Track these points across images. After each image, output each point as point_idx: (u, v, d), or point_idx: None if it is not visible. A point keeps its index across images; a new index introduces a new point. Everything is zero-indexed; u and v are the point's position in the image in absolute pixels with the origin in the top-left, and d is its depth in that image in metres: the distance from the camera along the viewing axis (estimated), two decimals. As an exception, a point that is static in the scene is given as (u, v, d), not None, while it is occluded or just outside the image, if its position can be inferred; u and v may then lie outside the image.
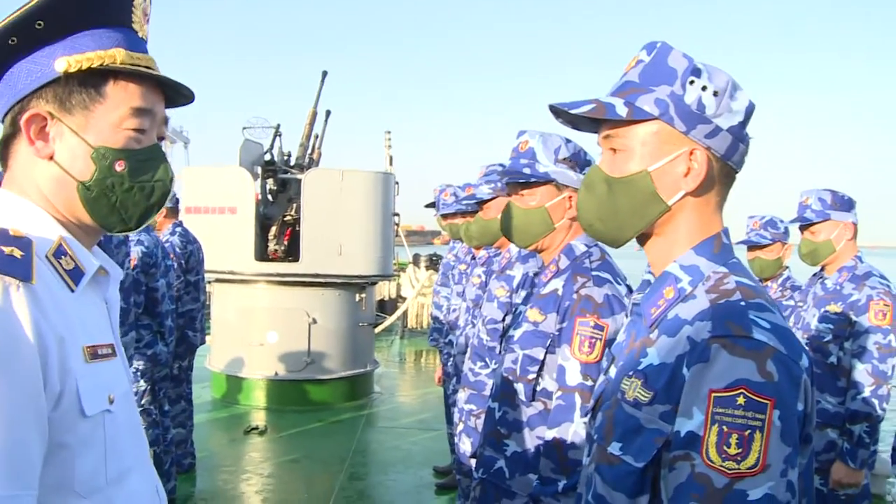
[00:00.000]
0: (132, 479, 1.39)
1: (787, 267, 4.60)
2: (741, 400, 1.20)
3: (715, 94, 1.42)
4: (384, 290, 14.63)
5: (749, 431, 1.19)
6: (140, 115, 1.39)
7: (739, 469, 1.19)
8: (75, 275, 1.34)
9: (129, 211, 1.41)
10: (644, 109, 1.42)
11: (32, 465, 1.18)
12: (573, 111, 1.45)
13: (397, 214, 8.96)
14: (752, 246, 4.52)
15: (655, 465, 1.32)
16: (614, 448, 1.39)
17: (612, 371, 1.55)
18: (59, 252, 1.33)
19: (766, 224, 4.49)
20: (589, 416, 1.63)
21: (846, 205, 3.71)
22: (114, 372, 1.37)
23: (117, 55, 1.35)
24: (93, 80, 1.35)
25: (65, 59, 1.33)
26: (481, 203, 3.66)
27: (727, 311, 1.30)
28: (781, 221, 4.48)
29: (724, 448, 1.20)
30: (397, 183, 8.97)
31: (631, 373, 1.41)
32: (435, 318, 6.42)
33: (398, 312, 13.62)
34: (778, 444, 1.19)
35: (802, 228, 3.79)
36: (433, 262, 14.35)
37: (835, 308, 3.59)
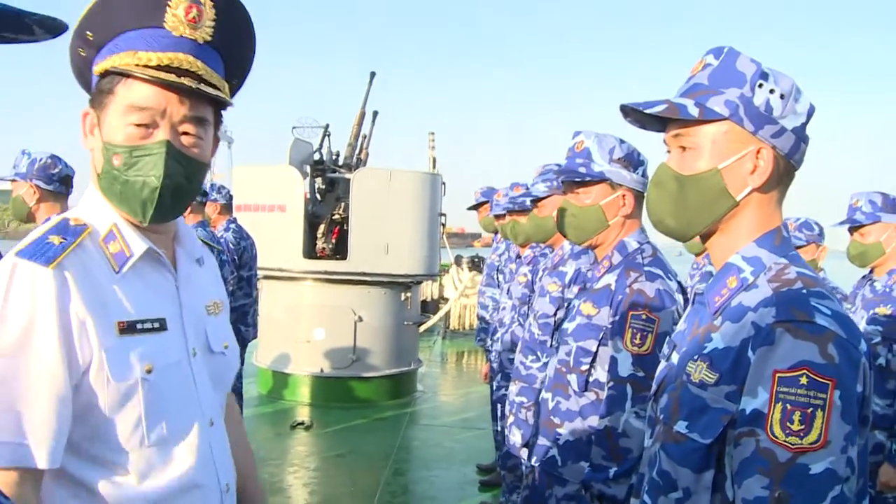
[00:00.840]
0: (176, 447, 1.54)
1: (821, 269, 4.62)
2: (804, 380, 1.28)
3: (781, 96, 1.50)
4: (427, 291, 14.71)
5: (811, 409, 1.27)
6: (137, 111, 1.46)
7: (802, 444, 1.27)
8: (119, 258, 1.50)
9: (130, 204, 1.50)
10: (714, 110, 1.50)
11: (43, 419, 1.35)
12: (647, 111, 1.54)
13: (444, 214, 9.04)
14: None
15: (720, 443, 1.40)
16: (681, 427, 1.47)
17: (675, 357, 1.63)
18: (109, 237, 1.50)
19: (801, 226, 4.51)
20: (651, 400, 1.70)
21: None
22: (160, 344, 1.52)
23: (124, 57, 1.44)
24: (114, 79, 1.47)
25: (98, 63, 1.49)
26: (536, 201, 3.73)
27: (790, 298, 1.38)
28: (816, 223, 4.51)
29: (788, 424, 1.28)
30: (444, 184, 9.05)
31: (696, 357, 1.48)
32: (481, 319, 6.49)
33: (441, 313, 13.70)
34: (838, 422, 1.27)
35: (852, 230, 3.81)
36: (475, 264, 14.40)
37: (884, 310, 3.60)
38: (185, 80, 1.45)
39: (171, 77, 1.44)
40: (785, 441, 1.28)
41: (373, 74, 9.41)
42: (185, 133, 1.51)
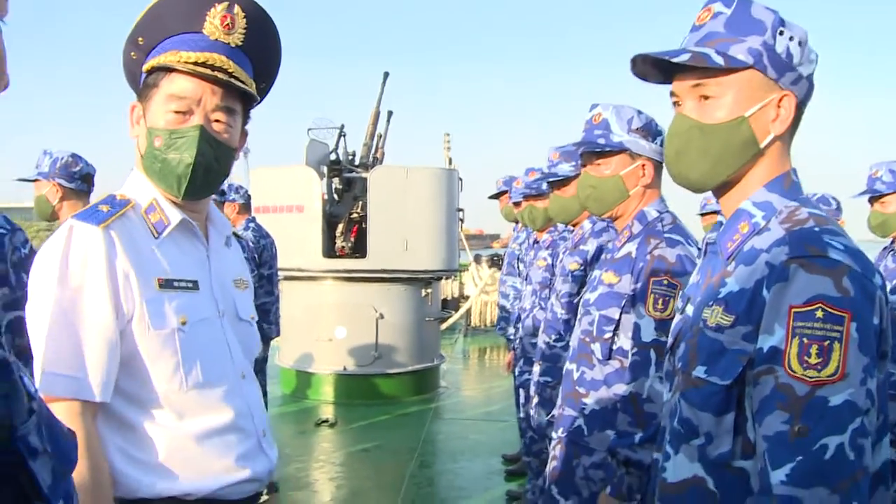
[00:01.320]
0: (213, 392, 1.75)
1: None
2: (820, 314, 1.28)
3: (800, 43, 1.51)
4: (447, 289, 14.73)
5: (828, 342, 1.27)
6: (175, 100, 1.72)
7: (820, 377, 1.27)
8: (159, 225, 1.76)
9: (168, 180, 1.75)
10: (738, 58, 1.49)
11: (98, 356, 1.60)
12: (673, 60, 1.51)
13: (461, 210, 9.05)
14: None
15: (739, 384, 1.40)
16: (699, 372, 1.47)
17: (689, 309, 1.63)
18: (150, 209, 1.77)
19: (819, 200, 4.52)
20: (668, 354, 1.71)
21: None
22: (193, 301, 1.76)
23: (168, 56, 1.71)
24: (156, 76, 1.75)
25: (146, 63, 1.76)
26: (555, 183, 3.72)
27: (803, 235, 1.38)
28: (834, 198, 4.51)
29: (805, 358, 1.28)
30: (461, 179, 9.07)
31: (711, 302, 1.49)
32: (502, 308, 6.50)
33: (462, 310, 13.71)
34: (856, 354, 1.27)
35: (872, 200, 3.80)
36: (494, 261, 14.42)
37: None
38: (219, 74, 1.71)
39: (207, 71, 1.70)
40: (803, 375, 1.28)
41: (386, 74, 9.45)
42: (217, 121, 1.76)
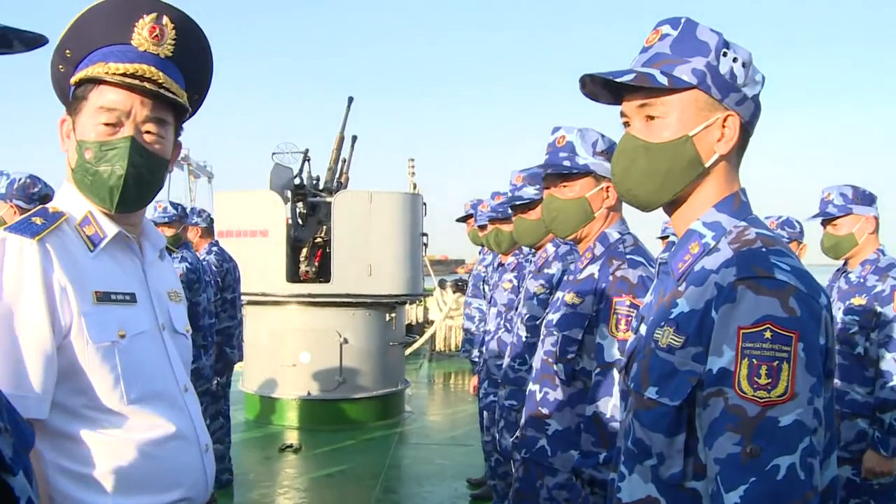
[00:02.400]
0: (155, 404, 1.73)
1: None
2: (768, 334, 1.30)
3: (743, 65, 1.54)
4: (412, 314, 14.71)
5: (777, 362, 1.29)
6: (106, 112, 1.70)
7: (770, 397, 1.28)
8: (94, 238, 1.74)
9: (100, 193, 1.74)
10: (682, 79, 1.53)
11: (35, 373, 1.57)
12: (617, 80, 1.54)
13: (425, 234, 9.06)
14: None
15: (690, 405, 1.41)
16: (651, 392, 1.48)
17: (643, 329, 1.65)
18: (85, 222, 1.74)
19: (783, 224, 4.60)
20: (622, 373, 1.72)
21: (867, 199, 3.81)
22: (131, 314, 1.75)
23: (97, 68, 1.70)
24: (84, 88, 1.73)
25: (75, 76, 1.74)
26: (524, 206, 3.71)
27: (750, 256, 1.41)
28: (797, 221, 4.59)
29: (755, 379, 1.29)
30: (425, 204, 9.09)
31: (663, 323, 1.50)
32: (466, 330, 6.51)
33: (427, 334, 13.69)
34: (804, 374, 1.29)
35: (825, 223, 3.89)
36: (459, 286, 14.42)
37: (859, 300, 3.67)
38: (147, 85, 1.71)
39: (136, 82, 1.69)
40: (753, 396, 1.29)
41: (350, 99, 9.48)
42: (148, 132, 1.75)
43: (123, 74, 1.68)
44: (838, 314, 3.75)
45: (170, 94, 1.74)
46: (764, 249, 1.42)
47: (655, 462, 1.48)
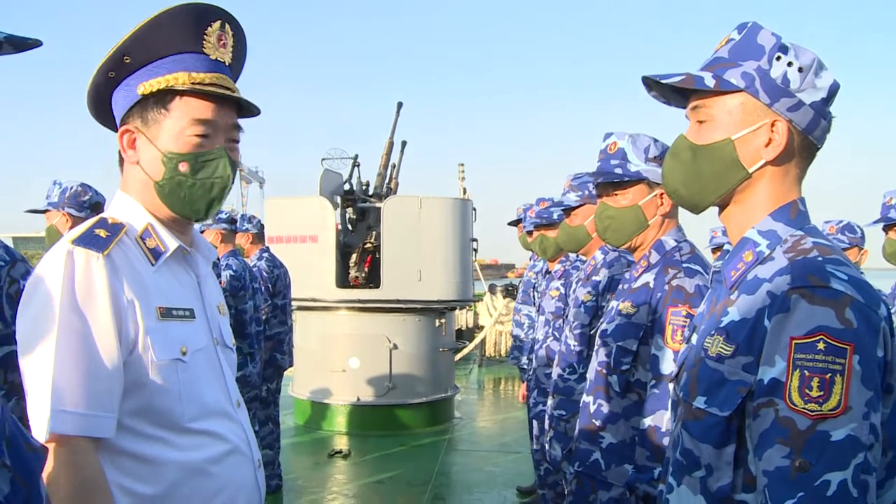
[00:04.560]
0: (212, 421, 1.71)
1: (862, 272, 4.56)
2: (821, 345, 1.25)
3: (800, 70, 1.49)
4: (462, 319, 14.69)
5: (830, 375, 1.24)
6: (200, 124, 1.70)
7: (822, 411, 1.23)
8: (156, 252, 1.71)
9: (196, 204, 1.74)
10: (731, 82, 1.51)
11: (109, 391, 1.54)
12: (664, 81, 1.55)
13: (475, 240, 9.02)
14: None
15: (740, 416, 1.37)
16: (699, 402, 1.44)
17: (694, 338, 1.61)
18: (146, 235, 1.72)
19: (844, 228, 4.47)
20: (674, 381, 1.68)
21: None
22: (191, 330, 1.72)
23: (180, 77, 1.68)
24: (163, 98, 1.70)
25: (143, 84, 1.69)
26: (568, 211, 3.70)
27: (805, 265, 1.36)
28: (858, 226, 4.46)
29: (806, 391, 1.25)
30: (475, 209, 9.06)
31: (713, 332, 1.47)
32: (515, 337, 6.45)
33: (477, 340, 13.65)
34: (859, 388, 1.24)
35: (887, 229, 3.77)
36: (509, 291, 14.37)
37: None
38: (230, 94, 1.72)
39: (225, 92, 1.71)
40: (804, 408, 1.25)
41: (400, 105, 9.48)
42: (231, 140, 1.78)
43: (210, 84, 1.70)
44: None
45: (250, 102, 1.76)
46: (820, 258, 1.37)
47: (704, 473, 1.44)
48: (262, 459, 1.86)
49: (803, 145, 1.52)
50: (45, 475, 1.04)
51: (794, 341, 1.28)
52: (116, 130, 1.79)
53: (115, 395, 1.55)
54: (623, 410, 2.49)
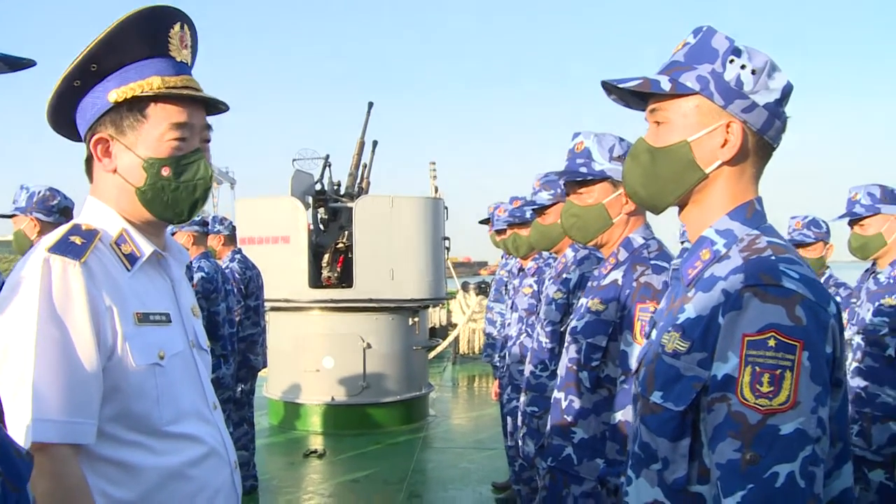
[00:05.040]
0: (189, 424, 1.72)
1: (828, 266, 4.65)
2: (772, 342, 1.30)
3: (753, 72, 1.54)
4: (435, 317, 14.71)
5: (780, 371, 1.29)
6: (178, 128, 1.72)
7: (771, 405, 1.28)
8: (131, 258, 1.71)
9: (180, 206, 1.76)
10: (686, 85, 1.55)
11: (89, 398, 1.54)
12: (622, 86, 1.59)
13: (447, 238, 9.06)
14: (796, 245, 4.57)
15: (695, 410, 1.42)
16: (656, 397, 1.49)
17: (654, 334, 1.66)
18: (120, 240, 1.72)
19: (809, 224, 4.55)
20: (634, 376, 1.73)
21: (895, 198, 3.75)
22: (167, 335, 1.73)
23: (154, 82, 1.68)
24: (137, 104, 1.70)
25: (114, 91, 1.67)
26: (538, 210, 3.75)
27: (759, 264, 1.41)
28: (823, 221, 4.54)
29: (757, 387, 1.30)
30: (446, 208, 9.09)
31: (670, 328, 1.51)
32: (488, 335, 6.50)
33: (450, 338, 13.70)
34: (807, 383, 1.29)
35: (852, 223, 3.84)
36: (482, 289, 14.42)
37: (889, 301, 3.62)
38: (200, 95, 1.74)
39: (199, 94, 1.73)
40: (755, 403, 1.29)
41: (370, 105, 9.49)
42: (204, 140, 1.80)
43: (181, 87, 1.71)
44: (867, 315, 3.70)
45: (217, 100, 1.79)
46: (773, 257, 1.42)
47: (661, 466, 1.48)
48: (237, 461, 1.87)
49: (758, 145, 1.56)
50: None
51: (747, 338, 1.32)
52: (79, 139, 1.80)
53: (95, 401, 1.56)
54: (594, 406, 2.54)
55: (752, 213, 1.56)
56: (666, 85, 1.55)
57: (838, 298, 4.36)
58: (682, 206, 1.64)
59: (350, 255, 8.52)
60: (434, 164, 15.45)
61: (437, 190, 14.75)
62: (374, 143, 9.56)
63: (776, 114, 1.55)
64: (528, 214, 4.68)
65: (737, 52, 1.54)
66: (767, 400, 1.28)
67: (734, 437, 1.30)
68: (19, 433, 1.47)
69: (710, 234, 1.56)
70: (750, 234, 1.52)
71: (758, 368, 1.30)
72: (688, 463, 1.43)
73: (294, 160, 9.08)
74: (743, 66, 1.53)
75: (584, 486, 2.54)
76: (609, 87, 1.67)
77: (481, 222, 6.78)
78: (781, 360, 1.29)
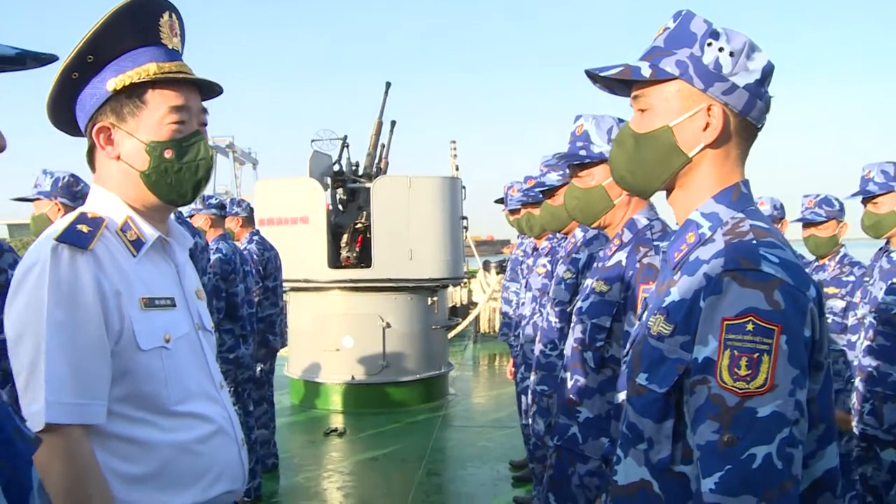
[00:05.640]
0: (197, 403, 1.78)
1: (843, 245, 4.62)
2: (750, 326, 1.32)
3: (731, 54, 1.54)
4: (456, 296, 14.76)
5: (758, 354, 1.30)
6: (177, 111, 1.77)
7: (749, 388, 1.30)
8: (137, 244, 1.77)
9: (183, 187, 1.81)
10: (666, 70, 1.56)
11: (99, 380, 1.62)
12: (603, 74, 1.61)
13: (465, 218, 9.08)
14: (807, 224, 4.55)
15: (678, 392, 1.44)
16: (641, 378, 1.51)
17: (644, 316, 1.68)
18: (125, 227, 1.77)
19: (821, 202, 4.52)
20: (623, 357, 1.76)
21: None
22: (172, 318, 1.79)
23: (150, 69, 1.74)
24: (136, 91, 1.75)
25: (112, 80, 1.74)
26: (549, 191, 3.77)
27: (739, 248, 1.42)
28: (836, 200, 4.51)
29: (735, 370, 1.32)
30: (464, 187, 9.10)
31: (656, 311, 1.53)
32: (504, 314, 6.52)
33: (470, 317, 13.76)
34: (785, 367, 1.30)
35: (865, 201, 3.82)
36: (503, 268, 14.44)
37: None
38: (194, 78, 1.80)
39: (194, 77, 1.79)
40: (733, 386, 1.31)
41: (388, 84, 9.48)
42: (202, 123, 1.86)
43: (176, 72, 1.76)
44: (880, 294, 3.68)
45: (211, 83, 1.84)
46: (754, 241, 1.43)
47: (646, 446, 1.51)
48: (255, 438, 1.94)
49: (741, 126, 1.57)
50: (39, 464, 1.10)
51: (725, 322, 1.34)
52: (78, 133, 1.85)
53: (105, 382, 1.62)
54: (598, 386, 2.56)
55: (737, 196, 1.57)
56: (646, 71, 1.57)
57: (853, 277, 4.35)
58: (669, 191, 1.65)
59: (368, 236, 8.57)
60: (454, 142, 15.45)
61: (457, 168, 14.75)
62: (393, 123, 9.56)
63: (757, 94, 1.55)
64: (540, 194, 4.70)
65: (714, 34, 1.55)
66: (745, 383, 1.30)
67: (713, 419, 1.32)
68: (35, 416, 1.54)
69: (695, 217, 1.57)
70: (735, 217, 1.53)
71: (736, 352, 1.32)
72: (672, 443, 1.45)
73: (312, 141, 9.12)
74: (721, 49, 1.54)
75: (590, 465, 2.57)
76: (593, 76, 1.68)
77: (497, 202, 6.79)
78: (759, 343, 1.30)
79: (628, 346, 1.73)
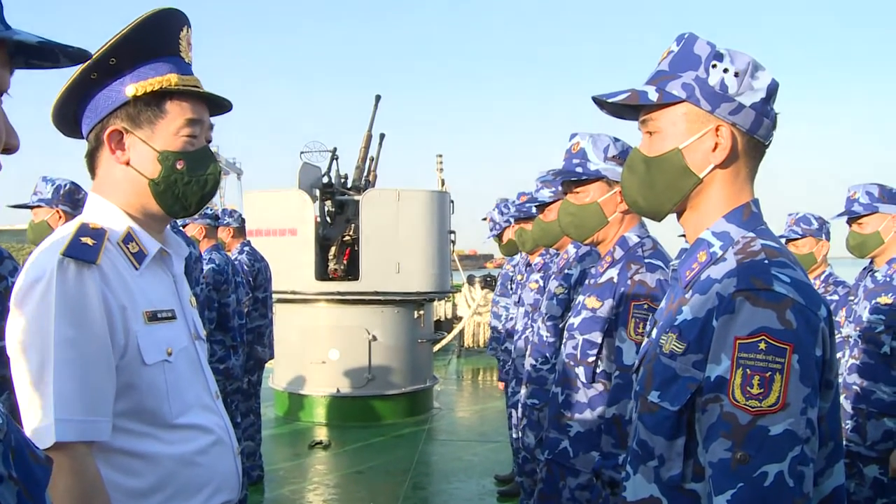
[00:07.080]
0: (196, 414, 1.79)
1: (829, 264, 4.68)
2: (762, 345, 1.34)
3: (736, 74, 1.57)
4: (441, 310, 14.78)
5: (770, 373, 1.33)
6: (192, 124, 1.80)
7: (761, 407, 1.33)
8: (139, 256, 1.76)
9: (189, 199, 1.82)
10: (672, 93, 1.59)
11: (105, 397, 1.61)
12: (611, 100, 1.64)
13: (453, 232, 9.11)
14: (785, 241, 4.63)
15: (690, 410, 1.46)
16: (653, 396, 1.53)
17: (654, 333, 1.70)
18: (127, 239, 1.76)
19: (799, 220, 4.58)
20: (634, 373, 1.78)
21: (894, 198, 3.79)
22: (173, 331, 1.79)
23: (171, 79, 1.76)
24: (156, 100, 1.77)
25: (133, 85, 1.75)
26: (541, 207, 3.82)
27: (751, 267, 1.45)
28: (817, 219, 4.56)
29: (748, 389, 1.34)
30: (452, 201, 9.14)
31: (668, 329, 1.55)
32: (493, 328, 6.56)
33: (455, 331, 13.75)
34: (797, 385, 1.33)
35: (850, 222, 3.88)
36: (488, 283, 14.47)
37: (886, 299, 3.66)
38: (207, 94, 1.83)
39: (207, 92, 1.82)
40: (745, 404, 1.33)
41: (378, 98, 9.53)
42: (207, 140, 1.88)
43: (192, 86, 1.79)
44: (864, 313, 3.74)
45: (223, 99, 1.87)
46: (766, 261, 1.45)
47: (657, 463, 1.52)
48: (241, 449, 1.94)
49: (749, 145, 1.60)
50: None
51: (738, 341, 1.36)
52: (77, 135, 1.85)
53: (110, 399, 1.62)
54: (590, 400, 2.60)
55: (748, 216, 1.59)
56: (653, 95, 1.59)
57: (836, 297, 4.41)
58: (680, 212, 1.67)
59: (356, 248, 8.59)
60: (441, 156, 15.51)
61: (443, 183, 14.79)
62: (382, 136, 9.61)
63: (764, 112, 1.59)
64: (533, 209, 4.76)
65: (718, 56, 1.58)
66: (757, 401, 1.32)
67: (726, 437, 1.34)
68: (42, 433, 1.53)
69: (706, 237, 1.59)
70: (746, 236, 1.55)
71: (748, 371, 1.34)
72: (683, 461, 1.47)
73: (301, 153, 9.15)
74: (726, 70, 1.57)
75: (580, 479, 2.61)
76: (601, 102, 1.70)
77: (485, 218, 6.84)
78: (771, 362, 1.33)
79: (637, 362, 1.75)
